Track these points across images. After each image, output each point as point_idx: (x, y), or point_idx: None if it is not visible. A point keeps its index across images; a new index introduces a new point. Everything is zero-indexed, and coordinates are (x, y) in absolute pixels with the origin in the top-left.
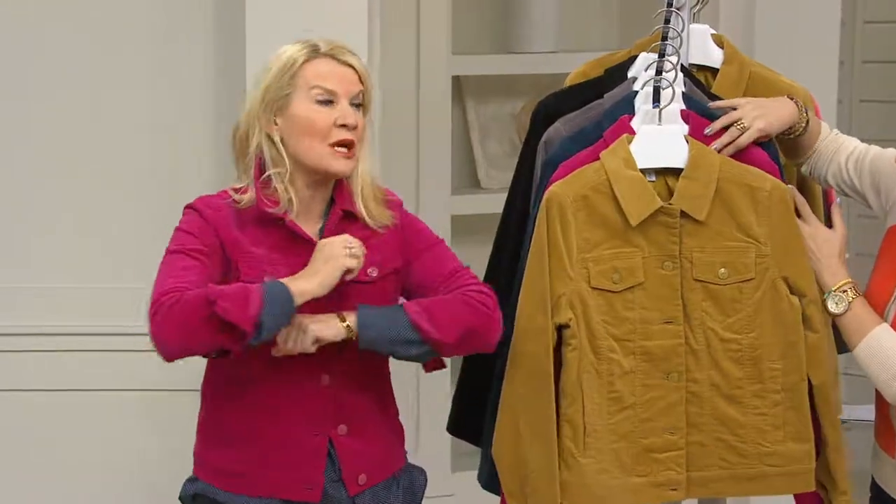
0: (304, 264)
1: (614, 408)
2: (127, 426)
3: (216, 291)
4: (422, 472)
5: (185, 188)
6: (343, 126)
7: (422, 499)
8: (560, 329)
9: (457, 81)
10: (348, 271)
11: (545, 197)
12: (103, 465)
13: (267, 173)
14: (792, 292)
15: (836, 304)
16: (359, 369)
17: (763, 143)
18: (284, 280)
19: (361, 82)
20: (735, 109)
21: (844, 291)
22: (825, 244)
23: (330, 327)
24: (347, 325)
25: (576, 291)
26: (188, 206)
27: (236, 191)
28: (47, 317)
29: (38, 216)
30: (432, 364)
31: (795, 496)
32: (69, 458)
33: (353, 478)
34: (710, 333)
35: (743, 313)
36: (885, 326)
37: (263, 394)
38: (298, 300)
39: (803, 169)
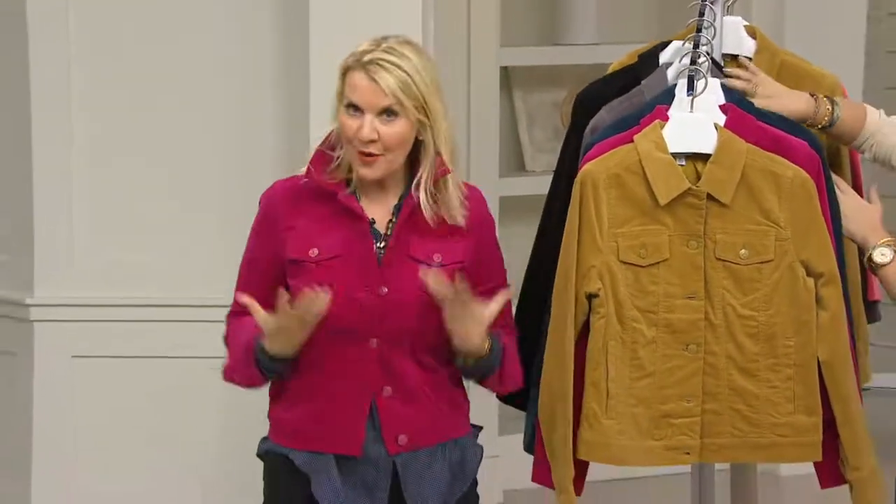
0: (349, 237)
1: (636, 374)
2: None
3: (229, 369)
4: (478, 448)
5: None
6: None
7: (473, 475)
8: (590, 298)
9: (505, 72)
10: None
11: (579, 175)
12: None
13: (337, 156)
14: (809, 274)
15: (882, 255)
16: (408, 337)
17: (804, 132)
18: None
19: (394, 95)
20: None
21: (888, 245)
22: (865, 210)
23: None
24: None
25: (605, 263)
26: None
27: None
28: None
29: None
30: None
31: (816, 469)
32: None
33: (393, 437)
34: (729, 309)
35: (761, 292)
36: None
37: (320, 356)
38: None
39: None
